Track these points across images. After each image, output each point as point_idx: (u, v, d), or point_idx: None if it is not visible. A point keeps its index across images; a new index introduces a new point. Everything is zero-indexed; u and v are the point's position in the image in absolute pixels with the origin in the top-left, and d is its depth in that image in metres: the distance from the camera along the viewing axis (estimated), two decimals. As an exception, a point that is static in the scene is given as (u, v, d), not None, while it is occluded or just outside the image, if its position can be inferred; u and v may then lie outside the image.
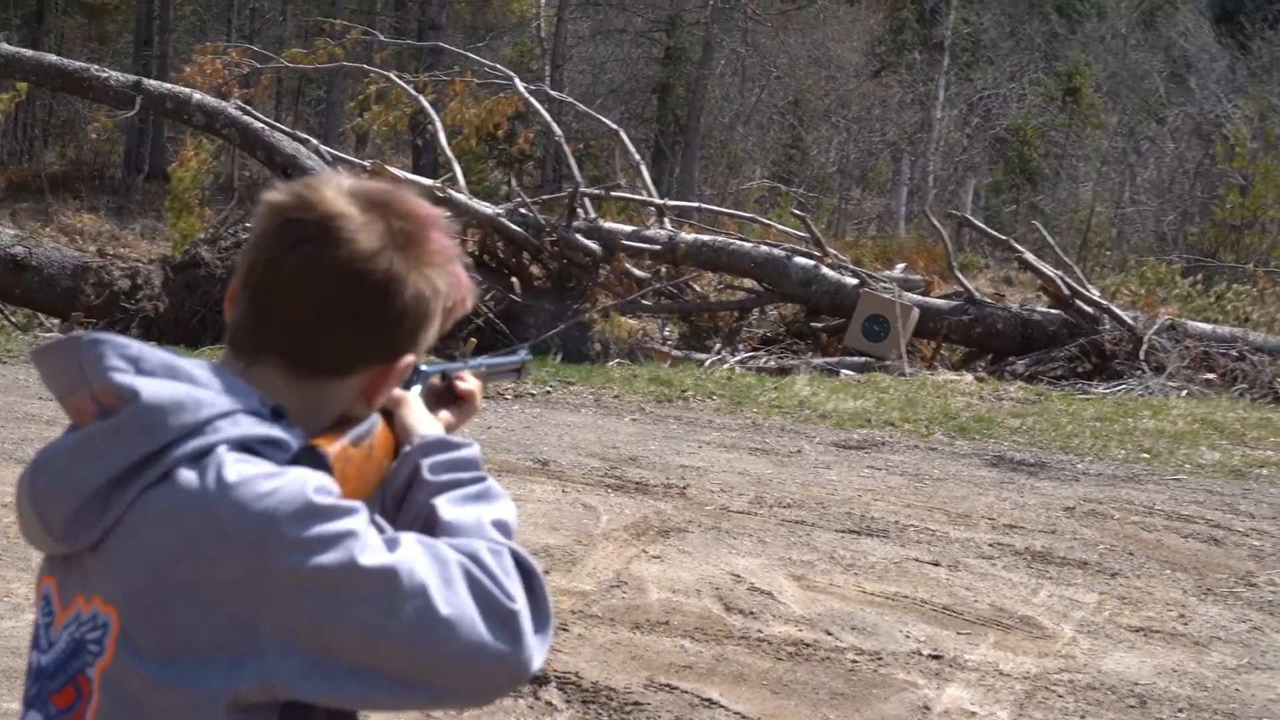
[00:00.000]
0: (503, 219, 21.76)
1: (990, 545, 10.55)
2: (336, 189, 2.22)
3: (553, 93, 27.50)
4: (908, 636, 8.40)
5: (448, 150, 24.29)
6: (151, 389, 2.06)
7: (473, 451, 2.42)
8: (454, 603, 2.07)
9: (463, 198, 22.17)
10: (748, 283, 23.32)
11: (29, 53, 23.86)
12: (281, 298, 2.18)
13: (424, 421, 2.47)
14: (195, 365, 2.14)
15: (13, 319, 22.23)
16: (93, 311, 20.41)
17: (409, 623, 2.03)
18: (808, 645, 8.15)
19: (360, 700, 2.09)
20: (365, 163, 23.45)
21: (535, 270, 22.17)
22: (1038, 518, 11.51)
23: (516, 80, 25.37)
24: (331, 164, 22.47)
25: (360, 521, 2.06)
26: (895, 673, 7.81)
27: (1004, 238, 25.29)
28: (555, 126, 25.76)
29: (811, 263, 22.04)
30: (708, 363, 20.20)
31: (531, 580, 2.23)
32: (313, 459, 2.13)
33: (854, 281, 21.85)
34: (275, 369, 2.21)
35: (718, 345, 21.80)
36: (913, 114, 56.06)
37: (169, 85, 24.48)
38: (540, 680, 7.35)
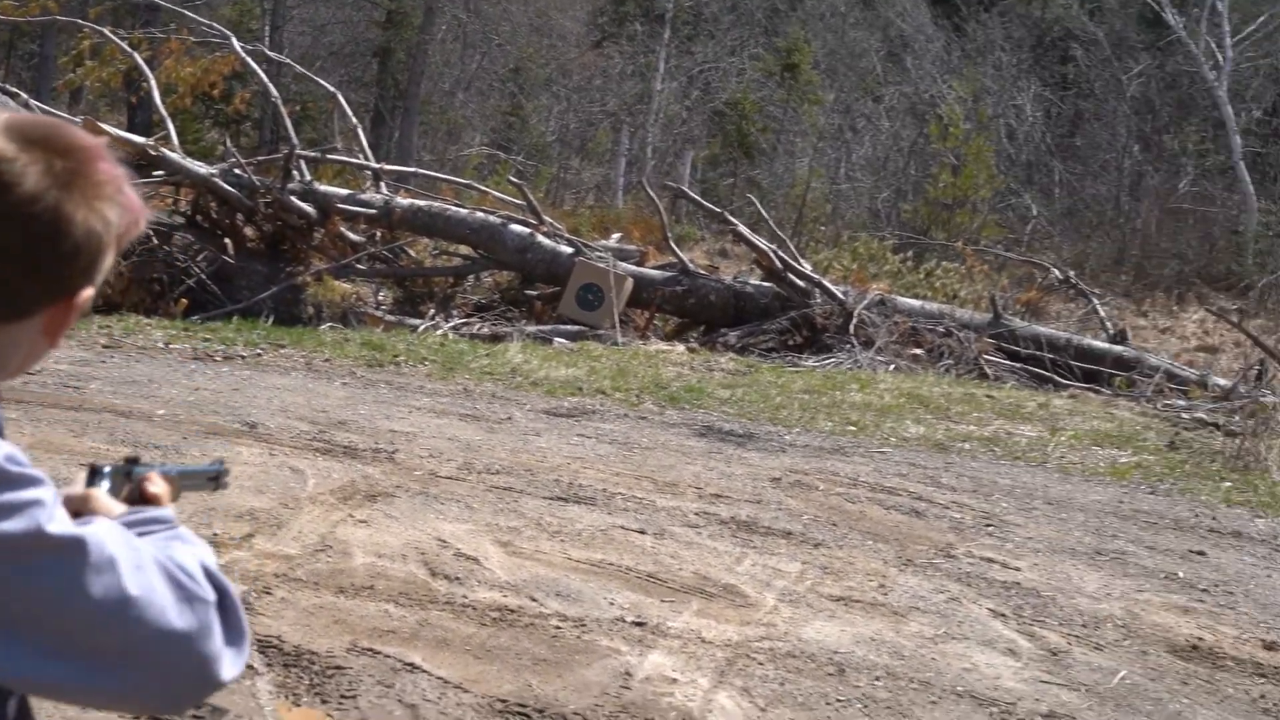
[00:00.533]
0: (217, 179, 21.49)
1: (696, 514, 10.67)
2: None
3: (270, 53, 27.17)
4: (612, 604, 8.46)
5: (161, 108, 23.93)
6: None
7: (163, 512, 2.38)
8: (144, 585, 2.03)
9: (176, 157, 21.86)
10: (464, 249, 23.30)
11: None
12: None
13: (112, 507, 2.39)
14: None
15: None
16: None
17: (95, 597, 1.99)
18: (512, 611, 8.17)
19: (43, 683, 2.03)
20: (77, 119, 22.96)
21: (249, 232, 21.96)
22: (744, 487, 11.67)
23: (233, 39, 25.05)
24: (38, 117, 21.98)
25: (48, 493, 2.01)
26: (599, 639, 7.87)
27: (719, 210, 25.63)
28: (272, 88, 25.49)
29: (527, 230, 22.09)
30: (421, 328, 20.12)
31: (224, 597, 2.19)
32: None
33: (569, 250, 21.93)
34: None
35: (431, 311, 21.74)
36: (633, 85, 56.22)
37: None
38: (240, 643, 7.28)
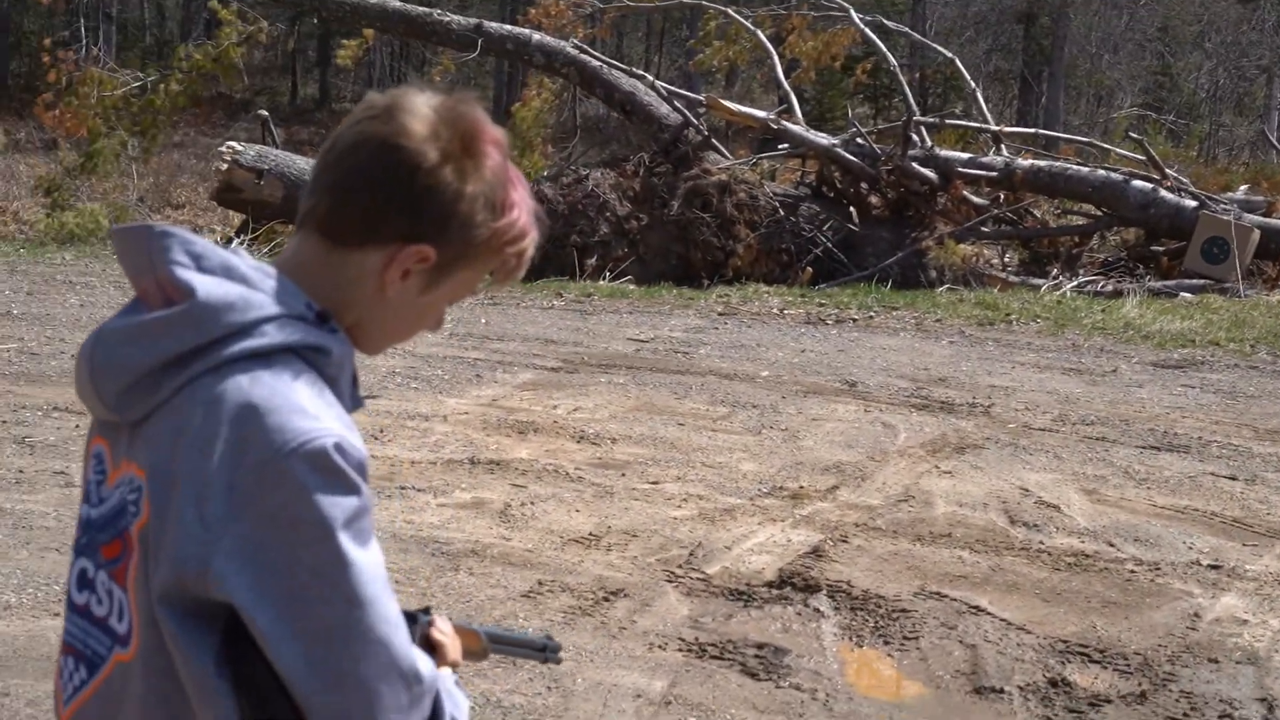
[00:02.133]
0: (839, 149, 21.79)
1: (1294, 461, 10.41)
2: (425, 92, 2.33)
3: (887, 23, 27.30)
4: (1190, 548, 8.36)
5: (784, 83, 24.40)
6: (207, 287, 2.20)
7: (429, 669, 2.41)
8: (381, 637, 2.16)
9: (798, 129, 22.28)
10: (1088, 208, 23.00)
11: (373, 0, 24.45)
12: (327, 166, 2.30)
13: None
14: (252, 267, 2.27)
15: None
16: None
17: (334, 616, 2.13)
18: (1087, 556, 8.16)
19: (270, 643, 2.15)
20: (700, 96, 23.66)
21: (873, 200, 22.16)
22: (1350, 435, 11.30)
23: (852, 12, 25.30)
24: (667, 99, 22.72)
25: (355, 505, 2.15)
26: (1171, 582, 7.79)
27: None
28: (890, 56, 25.60)
29: (1150, 186, 21.62)
30: (1044, 288, 19.98)
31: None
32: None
33: (1193, 204, 21.38)
34: (312, 238, 2.31)
35: (1054, 270, 21.55)
36: (1286, 36, 54.38)
37: (509, 27, 25.01)
38: (810, 588, 7.50)
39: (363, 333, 2.38)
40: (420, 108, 2.29)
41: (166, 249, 2.26)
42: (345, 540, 2.13)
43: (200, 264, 2.25)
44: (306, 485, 2.11)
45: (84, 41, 41.64)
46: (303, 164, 21.86)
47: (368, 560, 2.16)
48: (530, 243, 2.41)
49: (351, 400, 2.35)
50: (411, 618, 2.58)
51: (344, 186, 2.29)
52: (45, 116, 25.93)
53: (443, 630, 2.66)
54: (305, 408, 2.16)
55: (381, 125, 2.27)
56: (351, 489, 2.15)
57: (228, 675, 2.20)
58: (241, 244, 19.02)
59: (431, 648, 2.62)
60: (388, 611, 2.18)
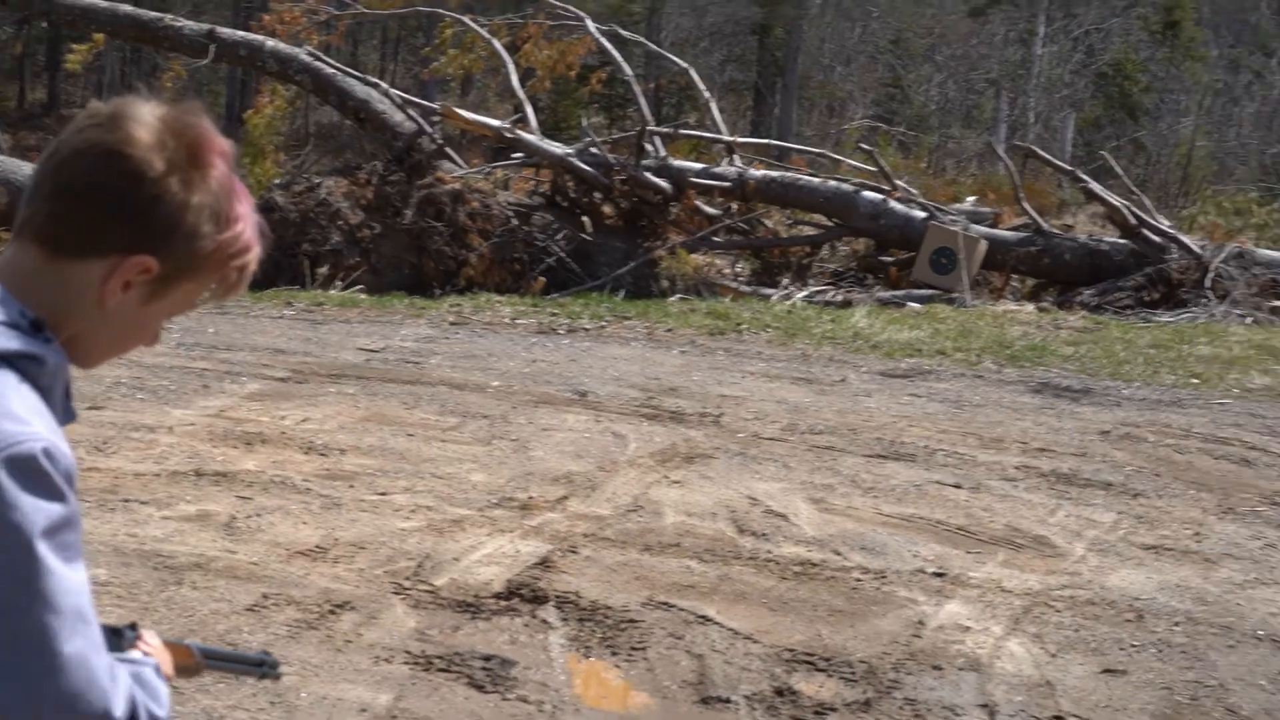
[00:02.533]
0: (573, 158, 21.82)
1: (1016, 468, 10.59)
2: (151, 102, 2.28)
3: (623, 33, 27.42)
4: (915, 556, 8.48)
5: (520, 92, 24.38)
6: None
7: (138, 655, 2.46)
8: (76, 650, 2.08)
9: (533, 138, 22.28)
10: (819, 218, 23.28)
11: (103, 3, 24.00)
12: (47, 174, 2.25)
13: None
14: None
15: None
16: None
17: (29, 628, 2.05)
18: (814, 565, 8.23)
19: None
20: (435, 105, 23.57)
21: (607, 209, 22.21)
22: (1070, 441, 11.53)
23: (588, 21, 25.37)
24: (401, 107, 22.60)
25: (60, 513, 2.10)
26: (897, 590, 7.89)
27: (1069, 168, 25.20)
28: (625, 66, 25.66)
29: (880, 197, 21.95)
30: (774, 298, 20.18)
31: None
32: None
33: (922, 215, 21.75)
34: (30, 248, 2.25)
35: (786, 280, 21.78)
36: (1014, 51, 55.58)
37: (242, 33, 24.68)
38: (538, 599, 7.47)
39: (79, 346, 2.32)
40: (146, 116, 2.24)
41: None
42: (46, 548, 2.06)
43: None
44: (8, 489, 2.04)
45: None
46: (29, 170, 21.37)
47: (69, 575, 2.09)
48: (254, 257, 2.40)
49: (64, 412, 2.29)
50: (118, 632, 2.54)
51: (65, 195, 2.23)
52: None
53: (150, 645, 2.60)
54: (15, 413, 2.10)
55: (106, 133, 2.22)
56: (57, 496, 2.09)
57: None
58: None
59: None
60: (86, 629, 2.10)
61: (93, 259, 2.24)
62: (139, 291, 2.28)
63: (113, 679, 2.14)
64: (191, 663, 2.85)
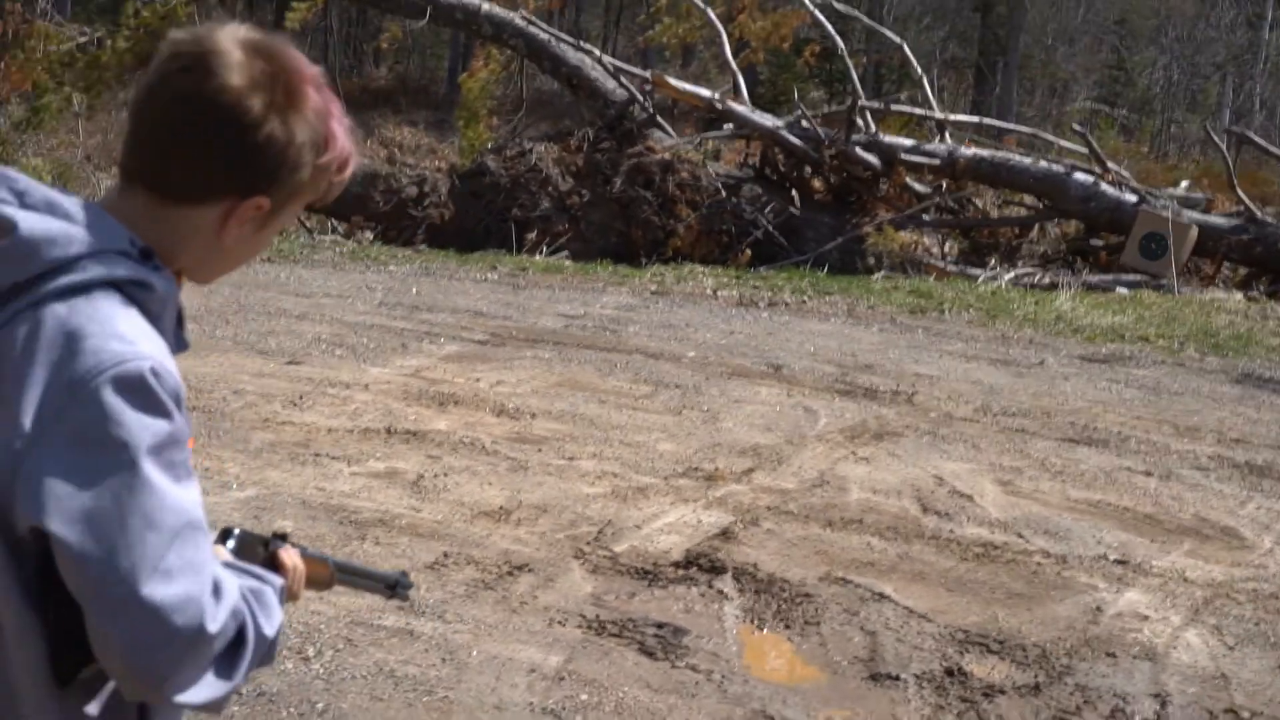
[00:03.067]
0: (783, 132, 21.79)
1: (1209, 458, 10.44)
2: (229, 33, 2.32)
3: (838, 6, 27.24)
4: (1099, 542, 8.40)
5: (732, 63, 24.38)
6: (29, 222, 2.20)
7: (271, 576, 2.48)
8: (176, 565, 2.13)
9: (743, 110, 22.27)
10: (1029, 199, 23.04)
11: (324, -36, 24.39)
12: (150, 123, 2.30)
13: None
14: (76, 204, 2.27)
15: (306, 224, 22.84)
16: (381, 217, 20.97)
17: (131, 542, 2.10)
18: (996, 547, 8.19)
19: (68, 564, 2.13)
20: (646, 73, 23.60)
21: (816, 184, 22.17)
22: (1268, 434, 11.35)
23: (803, -8, 25.32)
24: (614, 75, 22.69)
25: (166, 431, 2.16)
26: (1077, 576, 7.82)
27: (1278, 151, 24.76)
28: (839, 40, 25.56)
29: (1091, 179, 21.64)
30: (980, 278, 20.02)
31: (240, 640, 2.27)
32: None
33: (1133, 199, 21.43)
34: (140, 194, 2.32)
35: (993, 261, 21.58)
36: (1242, 34, 54.54)
37: (461, -4, 24.92)
38: (716, 570, 7.51)
39: (194, 273, 2.44)
40: (234, 56, 2.29)
41: None
42: (151, 464, 2.13)
43: (23, 200, 2.25)
44: (116, 406, 2.11)
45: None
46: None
47: (174, 491, 2.15)
48: (353, 165, 2.48)
49: (176, 340, 2.36)
50: (264, 542, 2.67)
51: (170, 146, 2.30)
52: (-11, 69, 25.75)
53: (290, 558, 2.70)
54: (123, 333, 2.16)
55: (201, 81, 2.27)
56: (163, 413, 2.16)
57: (37, 608, 2.19)
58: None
59: (275, 568, 2.66)
60: (192, 545, 2.16)
61: (207, 204, 2.33)
62: (252, 224, 2.38)
63: (217, 595, 2.20)
64: (326, 575, 2.94)
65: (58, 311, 2.17)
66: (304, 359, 11.56)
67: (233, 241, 2.39)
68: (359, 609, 6.65)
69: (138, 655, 2.13)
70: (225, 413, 9.86)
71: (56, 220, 2.23)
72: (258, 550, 2.67)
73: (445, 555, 7.46)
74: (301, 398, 10.37)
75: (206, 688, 2.21)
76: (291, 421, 9.74)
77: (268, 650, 2.37)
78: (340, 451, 9.14)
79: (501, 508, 8.30)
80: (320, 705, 5.71)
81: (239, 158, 2.30)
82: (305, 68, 2.38)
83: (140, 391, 2.13)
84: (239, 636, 2.27)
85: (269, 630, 2.36)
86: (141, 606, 2.11)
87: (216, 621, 2.18)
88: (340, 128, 2.43)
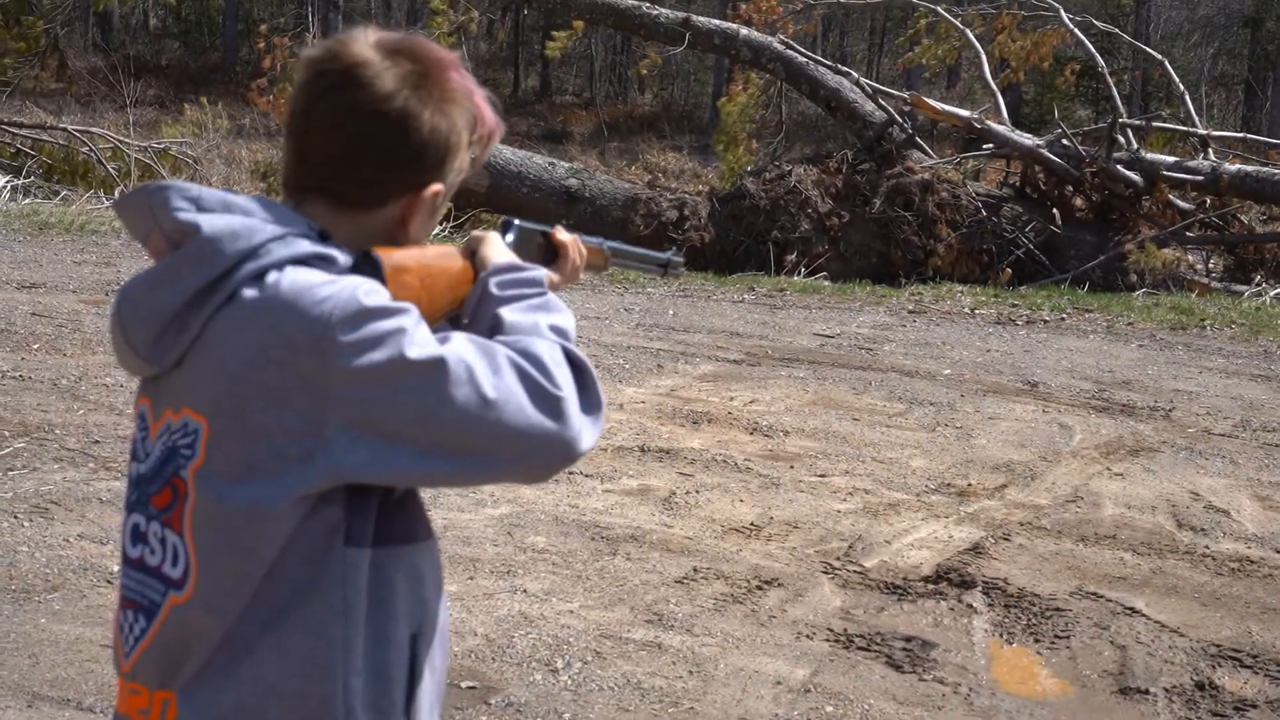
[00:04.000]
0: (1043, 150, 21.62)
1: None
2: (363, 40, 2.47)
3: (1097, 23, 26.96)
4: (1358, 558, 8.28)
5: (991, 82, 24.25)
6: (210, 222, 2.34)
7: (538, 273, 2.64)
8: (500, 387, 2.29)
9: (1002, 129, 22.14)
10: (1299, 216, 22.62)
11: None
12: (316, 141, 2.45)
13: (500, 254, 2.69)
14: (249, 200, 2.41)
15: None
16: (640, 241, 21.16)
17: (458, 405, 2.26)
18: (1252, 562, 8.11)
19: (422, 477, 2.38)
20: (904, 94, 23.56)
21: (1077, 202, 21.96)
22: None
23: (1062, 12, 25.05)
24: (872, 96, 22.68)
25: (409, 320, 2.30)
26: (1335, 591, 7.73)
27: None
28: (1099, 57, 25.31)
29: (1363, 194, 21.21)
30: (1245, 294, 19.68)
31: (582, 373, 2.43)
32: (368, 264, 2.41)
33: (1406, 214, 20.96)
34: (320, 205, 2.47)
35: (1259, 277, 21.20)
36: None
37: (717, 22, 25.07)
38: (966, 584, 7.53)
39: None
40: (377, 61, 2.44)
41: (166, 199, 2.40)
42: (421, 352, 2.28)
43: (200, 205, 2.39)
44: (362, 338, 2.26)
45: (311, 29, 42.33)
46: (509, 154, 22.10)
47: (450, 347, 2.31)
48: (500, 134, 2.65)
49: None
50: (541, 231, 2.94)
51: (345, 161, 2.45)
52: (259, 101, 26.41)
53: (563, 239, 2.95)
54: (316, 282, 2.30)
55: (353, 93, 2.42)
56: (396, 312, 2.31)
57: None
58: (442, 231, 19.30)
59: (555, 252, 2.93)
60: (492, 361, 2.33)
61: (388, 205, 2.49)
62: (429, 210, 2.54)
63: (544, 368, 2.38)
64: (601, 260, 3.19)
65: (254, 294, 2.31)
66: (560, 381, 11.73)
67: (416, 231, 2.55)
68: (608, 623, 6.79)
69: (553, 459, 2.37)
70: (483, 432, 10.05)
71: (236, 216, 2.37)
72: (535, 239, 2.91)
73: (695, 570, 7.57)
74: (558, 418, 10.54)
75: (594, 427, 2.43)
76: (549, 441, 9.90)
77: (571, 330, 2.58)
78: (594, 470, 9.29)
79: (752, 524, 8.39)
80: (567, 716, 5.84)
81: (413, 159, 2.46)
82: (444, 55, 2.53)
83: (368, 315, 2.27)
84: (576, 368, 2.45)
85: (564, 322, 2.57)
86: (526, 432, 2.31)
87: (565, 388, 2.37)
88: (484, 102, 2.58)
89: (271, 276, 2.32)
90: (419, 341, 2.29)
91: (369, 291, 2.30)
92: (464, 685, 6.01)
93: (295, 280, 2.31)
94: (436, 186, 2.50)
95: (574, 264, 2.94)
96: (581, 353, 2.47)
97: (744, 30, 23.79)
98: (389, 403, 2.26)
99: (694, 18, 24.42)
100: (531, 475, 2.42)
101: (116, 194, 20.81)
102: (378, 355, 2.25)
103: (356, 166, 2.44)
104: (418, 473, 2.34)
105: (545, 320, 2.52)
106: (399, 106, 2.41)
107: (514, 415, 2.30)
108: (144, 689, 2.46)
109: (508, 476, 2.42)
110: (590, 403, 2.42)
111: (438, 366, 2.27)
